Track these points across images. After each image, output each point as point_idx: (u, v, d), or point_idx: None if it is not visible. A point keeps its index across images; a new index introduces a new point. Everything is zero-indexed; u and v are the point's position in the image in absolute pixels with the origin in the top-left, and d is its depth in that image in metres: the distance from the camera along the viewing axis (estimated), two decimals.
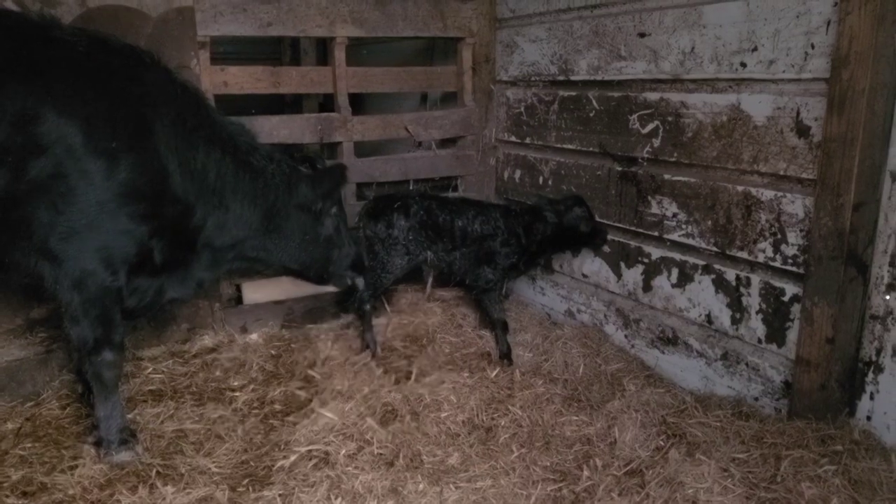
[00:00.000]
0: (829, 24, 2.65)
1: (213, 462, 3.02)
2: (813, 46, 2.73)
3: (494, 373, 3.61)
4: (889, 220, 2.60)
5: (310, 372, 3.73)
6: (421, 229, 3.82)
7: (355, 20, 4.26)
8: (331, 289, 3.91)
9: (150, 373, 3.73)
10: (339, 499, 2.64)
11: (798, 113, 2.83)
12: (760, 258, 3.07)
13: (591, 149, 3.98)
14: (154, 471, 2.91)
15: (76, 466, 2.91)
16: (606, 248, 3.92)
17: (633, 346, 3.86)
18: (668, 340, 3.62)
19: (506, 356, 3.80)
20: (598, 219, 3.86)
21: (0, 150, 2.58)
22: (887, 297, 2.63)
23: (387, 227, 3.80)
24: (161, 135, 2.90)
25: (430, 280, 4.38)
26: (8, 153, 2.60)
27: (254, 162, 3.21)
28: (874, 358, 2.71)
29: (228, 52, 5.85)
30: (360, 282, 3.71)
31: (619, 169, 3.80)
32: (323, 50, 4.97)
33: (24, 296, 3.68)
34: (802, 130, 2.82)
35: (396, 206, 3.83)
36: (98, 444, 3.02)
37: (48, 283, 2.86)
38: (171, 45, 3.67)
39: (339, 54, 4.28)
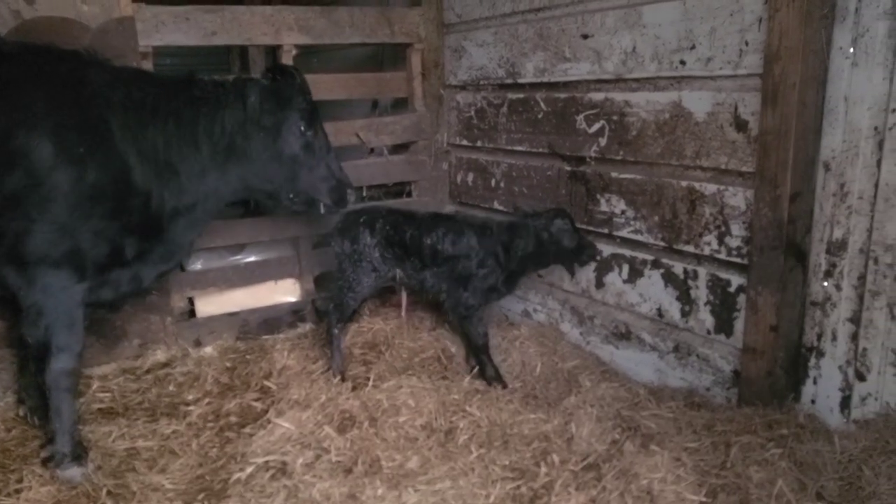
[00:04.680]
0: (760, 21, 2.73)
1: (167, 478, 2.96)
2: (747, 43, 2.82)
3: (466, 380, 3.59)
4: (824, 209, 2.69)
5: (266, 383, 3.68)
6: (388, 246, 3.64)
7: (301, 27, 4.24)
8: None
9: (98, 390, 3.65)
10: None
11: (736, 108, 2.91)
12: (706, 251, 3.14)
13: (540, 150, 4.03)
14: (105, 491, 2.84)
15: (21, 490, 2.82)
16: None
17: (588, 343, 3.90)
18: (622, 335, 3.67)
19: (495, 379, 3.58)
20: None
21: None
22: (825, 284, 2.71)
23: (352, 242, 3.63)
24: (118, 130, 2.94)
25: (405, 298, 4.26)
26: None
27: (194, 101, 3.16)
28: (816, 343, 2.79)
29: (175, 63, 5.78)
30: (337, 206, 3.54)
31: (569, 169, 3.85)
32: (273, 59, 4.94)
33: None
34: (741, 125, 2.90)
35: (362, 220, 3.68)
36: (50, 458, 2.95)
37: (13, 287, 2.87)
38: (113, 57, 3.59)
39: (286, 61, 4.25)
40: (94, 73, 3.01)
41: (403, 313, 4.23)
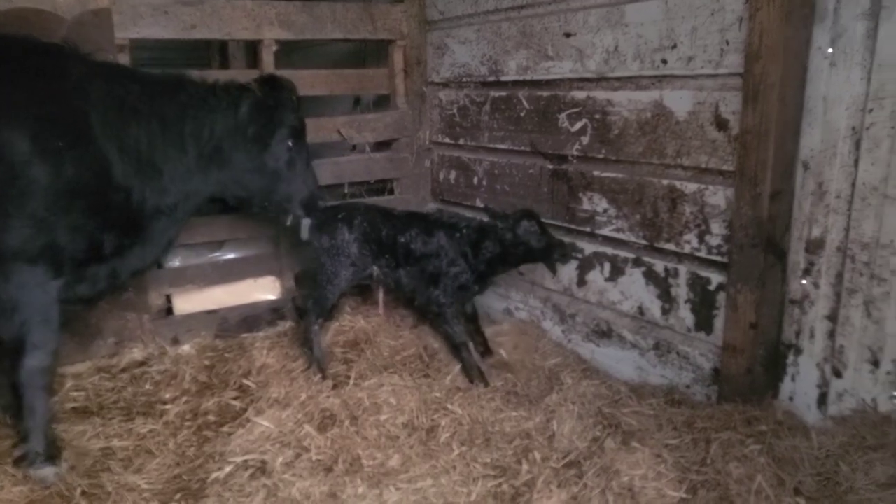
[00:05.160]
0: (741, 20, 2.75)
1: (143, 478, 2.92)
2: (728, 42, 2.83)
3: (448, 378, 3.58)
4: (803, 207, 2.72)
5: (245, 381, 3.64)
6: (365, 242, 3.69)
7: (282, 22, 4.20)
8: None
9: (71, 389, 3.59)
10: None
11: (717, 107, 2.92)
12: (687, 249, 3.16)
13: (522, 148, 4.03)
14: (79, 490, 2.79)
15: None
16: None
17: (569, 341, 3.91)
18: (603, 333, 3.68)
19: (477, 377, 3.55)
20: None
21: None
22: (803, 282, 2.74)
23: (330, 237, 3.68)
24: (98, 125, 2.92)
25: (382, 296, 4.28)
26: None
27: (182, 102, 3.16)
28: (794, 341, 2.82)
29: (154, 57, 5.69)
30: (304, 223, 3.61)
31: (551, 167, 3.85)
32: (253, 54, 4.88)
33: None
34: (721, 124, 2.91)
35: (340, 216, 3.73)
36: (23, 458, 2.90)
37: None
38: (89, 49, 3.53)
39: (267, 57, 4.21)
40: (75, 67, 2.98)
41: (381, 311, 4.21)
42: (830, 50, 2.54)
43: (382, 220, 3.71)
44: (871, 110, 2.44)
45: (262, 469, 2.88)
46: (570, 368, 3.65)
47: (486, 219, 3.59)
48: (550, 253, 3.49)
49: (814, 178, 2.65)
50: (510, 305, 4.33)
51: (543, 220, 3.63)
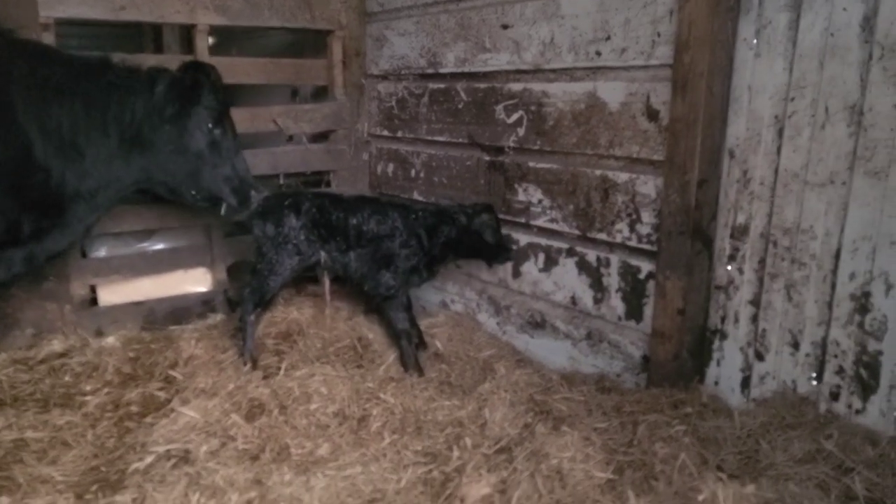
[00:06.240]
0: (671, 13, 2.81)
1: (58, 470, 2.78)
2: (659, 34, 2.89)
3: (381, 368, 3.54)
4: (728, 195, 2.79)
5: (171, 372, 3.52)
6: (313, 228, 3.61)
7: (217, 7, 4.10)
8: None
9: None
10: (198, 494, 2.49)
11: (648, 98, 2.98)
12: (618, 238, 3.21)
13: (460, 140, 4.03)
14: None
15: None
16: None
17: (504, 333, 3.92)
18: (537, 324, 3.70)
19: (412, 367, 3.54)
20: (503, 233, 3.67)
21: None
22: (728, 268, 2.81)
23: (276, 225, 3.58)
24: (19, 105, 2.83)
25: (328, 284, 4.20)
26: None
27: (106, 85, 3.07)
28: (719, 326, 2.88)
29: (84, 45, 5.48)
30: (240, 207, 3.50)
31: (488, 159, 3.86)
32: (188, 41, 4.75)
33: None
34: (652, 114, 2.97)
35: (287, 203, 3.64)
36: None
37: None
38: (10, 27, 3.38)
39: (201, 43, 4.10)
40: None
41: (328, 297, 4.14)
42: (755, 41, 2.62)
43: (332, 203, 3.67)
44: (792, 99, 2.52)
45: (186, 458, 2.78)
46: (504, 360, 3.66)
47: (441, 205, 3.63)
48: (497, 252, 3.58)
49: (739, 166, 2.72)
50: (446, 298, 4.32)
51: None
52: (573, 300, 3.50)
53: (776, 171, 2.60)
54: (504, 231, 3.76)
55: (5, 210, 2.83)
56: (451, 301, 4.29)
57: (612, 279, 3.27)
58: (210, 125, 3.28)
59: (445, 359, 3.77)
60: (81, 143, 3.02)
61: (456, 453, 2.80)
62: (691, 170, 2.72)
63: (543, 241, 3.62)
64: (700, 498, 1.66)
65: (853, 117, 2.36)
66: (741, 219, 2.75)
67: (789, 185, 2.56)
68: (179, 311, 4.22)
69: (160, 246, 4.33)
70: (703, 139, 2.68)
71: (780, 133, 2.57)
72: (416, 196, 4.39)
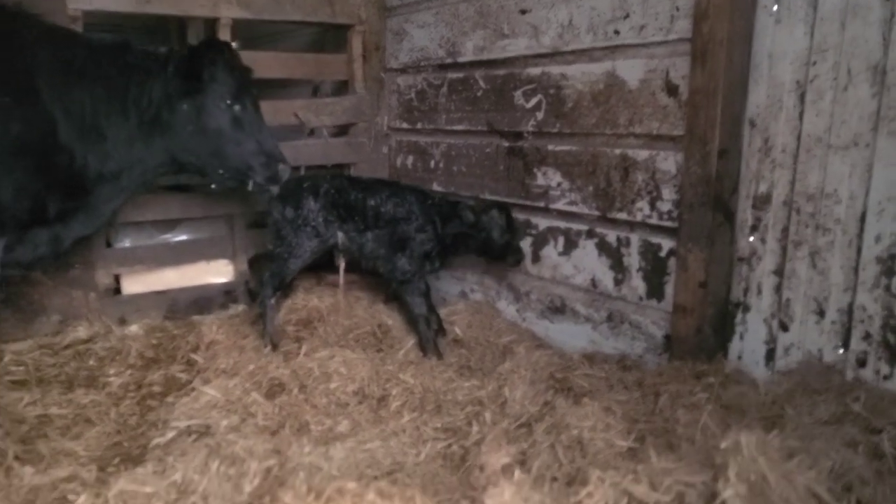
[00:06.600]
0: None
1: (81, 445, 2.81)
2: (678, 8, 2.89)
3: (401, 352, 3.53)
4: (749, 165, 2.76)
5: (192, 356, 3.54)
6: (332, 208, 3.65)
7: (241, 2, 4.16)
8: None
9: (10, 363, 3.43)
10: (218, 462, 2.48)
11: (667, 73, 2.97)
12: (639, 217, 3.18)
13: (479, 128, 4.04)
14: (11, 454, 2.66)
15: None
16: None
17: (524, 319, 3.90)
18: (557, 309, 3.68)
19: (431, 351, 3.55)
20: (517, 235, 3.71)
21: None
22: (751, 239, 2.77)
23: (295, 208, 3.63)
24: (44, 85, 2.88)
25: (343, 268, 4.19)
26: None
27: (126, 69, 3.12)
28: (742, 299, 2.84)
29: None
30: (272, 189, 3.50)
31: (507, 145, 3.87)
32: (212, 35, 4.81)
33: None
34: (672, 90, 2.96)
35: (306, 185, 3.70)
36: None
37: None
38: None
39: (224, 36, 4.17)
40: (22, 27, 2.94)
41: (342, 282, 4.14)
42: (775, 7, 2.60)
43: (350, 184, 3.73)
44: (814, 63, 2.50)
45: (206, 433, 2.79)
46: (524, 344, 3.63)
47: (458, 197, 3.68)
48: (506, 251, 3.60)
49: (760, 134, 2.70)
50: (465, 288, 4.31)
51: (499, 198, 3.66)
52: (593, 282, 3.47)
53: (798, 137, 2.57)
54: (524, 216, 3.76)
55: (31, 189, 2.87)
56: (470, 290, 4.28)
57: (633, 259, 3.24)
58: (228, 102, 3.27)
59: (465, 344, 3.75)
60: (102, 125, 3.07)
61: (475, 428, 2.78)
62: (712, 140, 2.70)
63: (563, 224, 3.60)
64: (722, 445, 1.63)
65: (876, 77, 2.33)
66: (763, 188, 2.71)
67: (812, 150, 2.53)
68: (202, 300, 4.26)
69: (183, 237, 4.37)
70: (723, 108, 2.66)
71: (802, 98, 2.54)
72: (435, 187, 4.39)
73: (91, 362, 3.56)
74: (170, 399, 3.14)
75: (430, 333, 3.60)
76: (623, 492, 1.83)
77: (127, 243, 4.19)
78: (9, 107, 2.75)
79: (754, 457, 1.58)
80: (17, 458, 2.66)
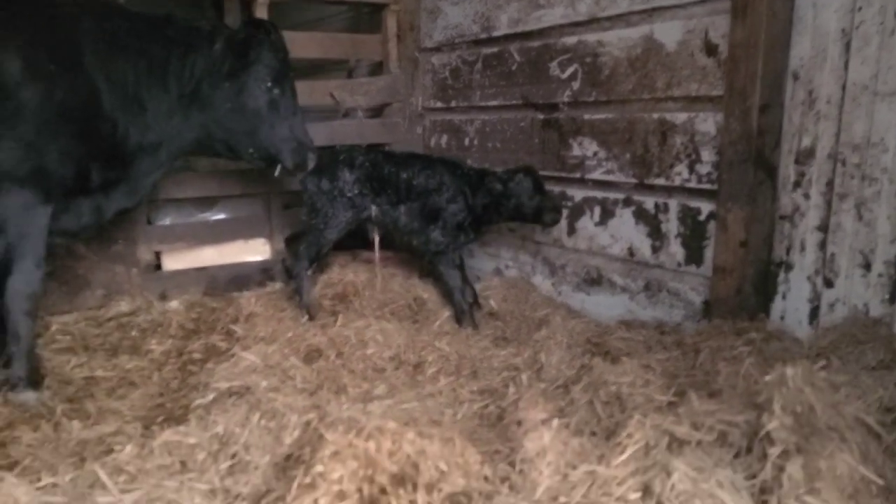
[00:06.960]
0: None
1: (126, 405, 2.88)
2: None
3: (437, 323, 3.55)
4: (792, 119, 2.70)
5: (232, 327, 3.59)
6: (366, 181, 3.69)
7: None
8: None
9: (57, 333, 3.53)
10: (258, 415, 2.52)
11: (706, 33, 2.93)
12: (677, 181, 3.14)
13: (514, 102, 4.03)
14: (59, 411, 2.74)
15: None
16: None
17: (559, 293, 3.87)
18: (593, 281, 3.65)
19: (468, 322, 3.57)
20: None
21: None
22: (793, 195, 2.71)
23: (331, 180, 3.67)
24: (89, 53, 2.94)
25: (377, 242, 4.19)
26: None
27: (167, 42, 3.16)
28: (784, 257, 2.79)
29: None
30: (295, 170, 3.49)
31: (542, 117, 3.85)
32: (248, 12, 4.87)
33: None
34: (711, 49, 2.92)
35: (341, 158, 3.74)
36: (5, 382, 2.86)
37: None
38: None
39: (261, 14, 4.23)
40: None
41: (377, 256, 4.15)
42: None
43: (384, 158, 3.77)
44: (860, 9, 2.44)
45: (247, 393, 2.82)
46: (559, 315, 3.61)
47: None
48: (541, 212, 3.53)
49: (804, 87, 2.64)
50: (500, 265, 4.30)
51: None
52: (630, 251, 3.43)
53: (843, 87, 2.51)
54: (559, 189, 3.74)
55: (76, 155, 2.92)
56: (505, 267, 4.26)
57: (671, 224, 3.20)
58: (269, 84, 3.30)
59: (500, 317, 3.75)
60: (143, 96, 3.11)
61: (512, 389, 2.77)
62: (752, 95, 2.65)
63: (599, 194, 3.57)
64: (766, 378, 1.60)
65: None
66: (806, 142, 2.66)
67: (858, 98, 2.47)
68: (240, 278, 4.32)
69: (221, 216, 4.44)
70: (764, 62, 2.61)
71: (848, 47, 2.49)
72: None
73: (134, 333, 3.64)
74: (210, 365, 3.18)
75: (465, 305, 3.60)
76: (664, 432, 1.81)
77: (167, 221, 4.27)
78: (53, 74, 2.81)
79: (800, 388, 1.54)
80: (64, 415, 2.74)
